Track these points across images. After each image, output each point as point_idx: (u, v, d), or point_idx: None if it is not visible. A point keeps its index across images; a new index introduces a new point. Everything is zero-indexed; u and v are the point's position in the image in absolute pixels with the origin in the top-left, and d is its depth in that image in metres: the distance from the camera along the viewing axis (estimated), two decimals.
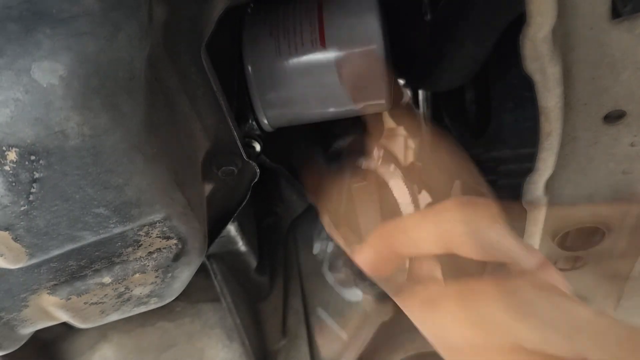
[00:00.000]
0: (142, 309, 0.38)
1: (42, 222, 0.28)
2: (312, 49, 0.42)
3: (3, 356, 0.38)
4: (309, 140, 0.62)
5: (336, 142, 0.61)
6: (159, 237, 0.32)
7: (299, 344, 0.65)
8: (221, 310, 0.60)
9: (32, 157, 0.25)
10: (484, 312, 0.23)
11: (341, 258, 0.62)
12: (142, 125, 0.28)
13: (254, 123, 0.45)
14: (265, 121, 0.45)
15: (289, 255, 0.67)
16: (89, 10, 0.23)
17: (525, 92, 0.54)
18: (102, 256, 0.32)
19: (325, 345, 0.65)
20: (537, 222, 0.41)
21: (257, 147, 0.45)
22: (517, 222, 0.41)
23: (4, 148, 0.24)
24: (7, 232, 0.27)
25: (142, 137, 0.28)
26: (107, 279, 0.33)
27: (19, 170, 0.25)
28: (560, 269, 0.46)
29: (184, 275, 0.36)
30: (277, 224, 0.65)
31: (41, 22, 0.23)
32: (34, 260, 0.30)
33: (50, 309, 0.34)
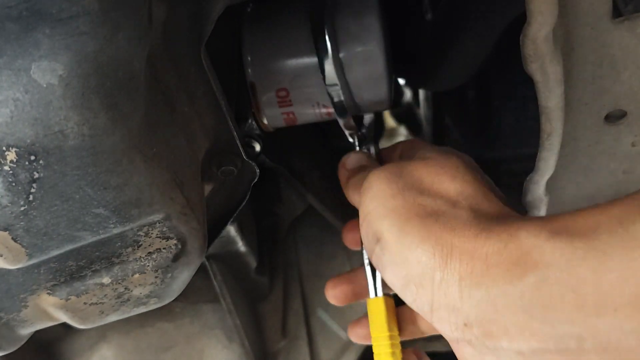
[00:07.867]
0: (142, 309, 0.38)
1: (42, 222, 0.28)
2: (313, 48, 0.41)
3: (2, 357, 0.38)
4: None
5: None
6: (159, 237, 0.32)
7: (299, 344, 0.65)
8: (221, 311, 0.60)
9: (32, 157, 0.25)
10: None
11: None
12: (142, 125, 0.28)
13: (253, 123, 0.45)
14: (265, 121, 0.45)
15: (289, 256, 0.67)
16: (89, 10, 0.23)
17: (526, 91, 0.54)
18: (102, 256, 0.32)
19: (325, 346, 0.65)
20: None
21: (257, 147, 0.45)
22: None
23: (3, 148, 0.24)
24: (7, 232, 0.27)
25: (141, 137, 0.28)
26: (106, 280, 0.33)
27: (18, 171, 0.25)
28: None
29: (183, 275, 0.36)
30: (276, 224, 0.65)
31: (41, 22, 0.23)
32: (33, 261, 0.30)
33: (50, 309, 0.34)
